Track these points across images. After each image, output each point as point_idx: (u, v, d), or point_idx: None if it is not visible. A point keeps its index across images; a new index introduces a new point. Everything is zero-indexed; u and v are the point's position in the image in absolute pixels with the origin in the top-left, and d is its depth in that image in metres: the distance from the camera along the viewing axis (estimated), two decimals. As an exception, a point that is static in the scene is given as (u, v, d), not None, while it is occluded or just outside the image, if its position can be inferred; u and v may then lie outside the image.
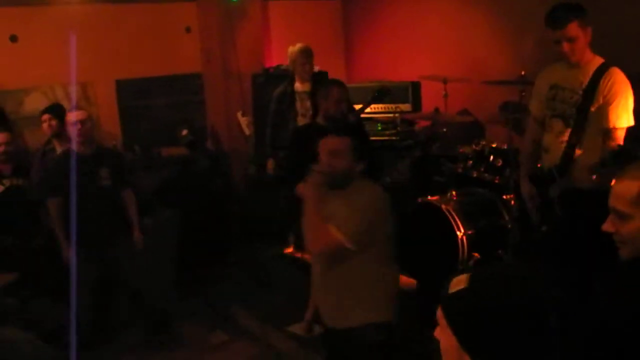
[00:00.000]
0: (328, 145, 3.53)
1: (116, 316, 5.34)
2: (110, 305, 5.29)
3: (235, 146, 7.59)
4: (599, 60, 3.83)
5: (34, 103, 6.36)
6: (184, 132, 7.04)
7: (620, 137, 3.70)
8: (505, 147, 5.37)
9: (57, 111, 5.55)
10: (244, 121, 7.23)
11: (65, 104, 6.09)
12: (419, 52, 7.38)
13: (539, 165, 4.30)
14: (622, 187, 2.11)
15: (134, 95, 7.17)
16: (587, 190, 3.68)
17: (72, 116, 4.97)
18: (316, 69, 6.55)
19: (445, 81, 6.18)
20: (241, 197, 7.37)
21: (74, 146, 4.94)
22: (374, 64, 8.05)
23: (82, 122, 4.93)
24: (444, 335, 1.63)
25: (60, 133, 5.47)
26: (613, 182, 2.15)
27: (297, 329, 4.91)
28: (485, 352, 1.58)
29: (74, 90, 6.62)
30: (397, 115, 6.73)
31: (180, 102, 7.52)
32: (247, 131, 7.20)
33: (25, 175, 5.50)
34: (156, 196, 6.46)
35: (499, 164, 5.37)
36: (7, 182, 5.40)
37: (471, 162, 5.57)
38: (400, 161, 6.40)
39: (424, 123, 6.90)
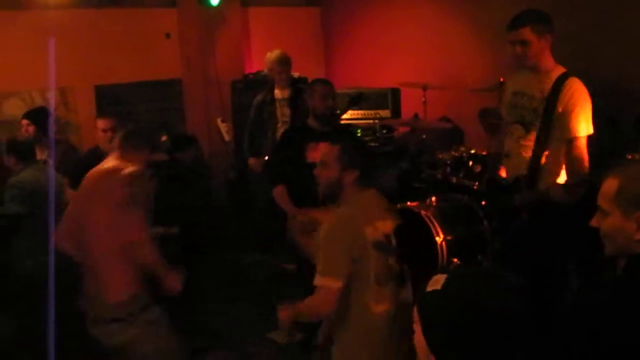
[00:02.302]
0: (318, 154, 3.27)
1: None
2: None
3: (215, 152, 7.57)
4: (560, 70, 3.92)
5: (12, 108, 6.31)
6: (163, 137, 7.01)
7: (581, 145, 3.81)
8: (485, 153, 5.41)
9: (36, 117, 5.49)
10: (224, 127, 7.23)
11: (43, 109, 6.03)
12: (399, 58, 7.42)
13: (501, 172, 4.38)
14: (605, 185, 2.19)
15: (113, 101, 7.12)
16: (558, 203, 3.75)
17: (101, 123, 5.26)
18: (296, 75, 6.56)
19: (424, 88, 6.22)
20: (221, 203, 7.35)
21: (102, 147, 5.21)
22: (353, 71, 8.07)
23: (111, 129, 5.21)
24: (417, 329, 1.66)
25: (39, 139, 5.42)
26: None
27: (277, 335, 4.91)
28: (449, 357, 1.60)
29: (52, 96, 6.58)
30: (376, 121, 6.76)
31: (159, 108, 7.49)
32: (226, 137, 7.19)
33: (3, 180, 5.46)
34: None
35: (478, 170, 5.39)
36: None
37: (450, 168, 5.60)
38: (384, 172, 6.39)
39: (403, 129, 6.93)
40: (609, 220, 2.16)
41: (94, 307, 3.59)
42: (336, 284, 2.96)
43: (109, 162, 3.77)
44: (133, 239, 3.47)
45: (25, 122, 5.47)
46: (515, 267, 4.06)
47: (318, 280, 2.99)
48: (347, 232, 3.05)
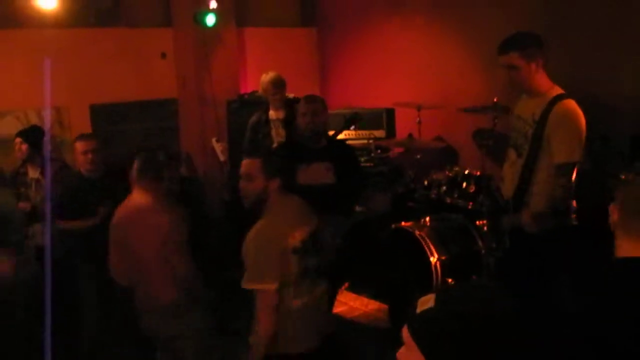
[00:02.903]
0: (241, 168, 3.54)
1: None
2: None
3: (210, 172, 7.57)
4: (556, 91, 3.83)
5: (7, 127, 6.29)
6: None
7: (566, 173, 3.67)
8: (478, 174, 5.42)
9: (29, 135, 5.48)
10: (219, 147, 7.21)
11: (38, 128, 6.02)
12: (394, 79, 7.45)
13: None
14: None
15: (108, 120, 7.13)
16: (532, 233, 3.73)
17: (81, 145, 5.15)
18: (291, 95, 6.58)
19: (419, 108, 6.24)
20: (216, 223, 7.33)
21: (83, 171, 5.19)
22: (349, 91, 8.10)
23: (92, 151, 5.11)
24: (411, 354, 1.64)
25: (32, 157, 5.42)
26: None
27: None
28: None
29: (47, 115, 6.59)
30: (371, 141, 6.77)
31: (155, 128, 7.49)
32: (221, 157, 7.18)
33: None
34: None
35: (472, 190, 5.41)
36: None
37: (445, 188, 5.61)
38: (378, 192, 6.39)
39: (398, 149, 6.95)
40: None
41: (147, 307, 4.07)
42: (272, 286, 3.31)
43: (139, 198, 4.06)
44: (180, 273, 4.02)
45: (18, 140, 5.47)
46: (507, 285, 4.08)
47: (250, 285, 3.34)
48: (273, 240, 3.37)
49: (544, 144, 3.76)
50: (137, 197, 4.06)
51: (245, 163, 3.54)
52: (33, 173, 5.44)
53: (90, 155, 5.13)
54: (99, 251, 5.06)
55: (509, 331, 1.59)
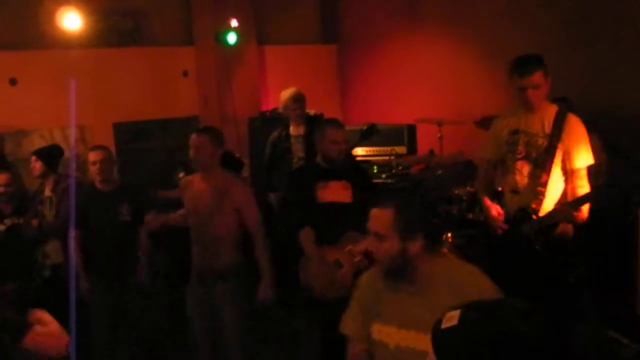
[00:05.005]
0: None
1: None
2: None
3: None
4: (554, 107, 4.11)
5: (32, 145, 6.37)
6: (181, 174, 7.04)
7: (584, 175, 4.02)
8: (500, 189, 5.39)
9: (45, 154, 5.53)
10: (241, 164, 7.25)
11: (63, 146, 6.04)
12: (415, 94, 7.46)
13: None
14: None
15: (131, 138, 7.21)
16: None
17: (91, 156, 5.07)
18: (312, 112, 6.59)
19: (440, 124, 6.24)
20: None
21: (96, 183, 5.08)
22: (369, 107, 8.12)
23: (100, 161, 4.99)
24: None
25: (46, 174, 5.47)
26: None
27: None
28: None
29: (72, 133, 6.66)
30: (392, 157, 6.77)
31: (177, 145, 7.54)
32: (243, 174, 7.21)
33: (25, 215, 5.53)
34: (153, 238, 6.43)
35: (494, 205, 5.39)
36: (8, 222, 5.44)
37: (466, 203, 5.60)
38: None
39: (419, 165, 6.95)
40: None
41: None
42: None
43: None
44: None
45: (33, 157, 5.51)
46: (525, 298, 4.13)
47: None
48: None
49: (558, 154, 4.03)
50: None
51: (374, 214, 2.61)
52: (48, 191, 5.50)
53: (98, 166, 5.00)
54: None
55: (529, 356, 1.58)
